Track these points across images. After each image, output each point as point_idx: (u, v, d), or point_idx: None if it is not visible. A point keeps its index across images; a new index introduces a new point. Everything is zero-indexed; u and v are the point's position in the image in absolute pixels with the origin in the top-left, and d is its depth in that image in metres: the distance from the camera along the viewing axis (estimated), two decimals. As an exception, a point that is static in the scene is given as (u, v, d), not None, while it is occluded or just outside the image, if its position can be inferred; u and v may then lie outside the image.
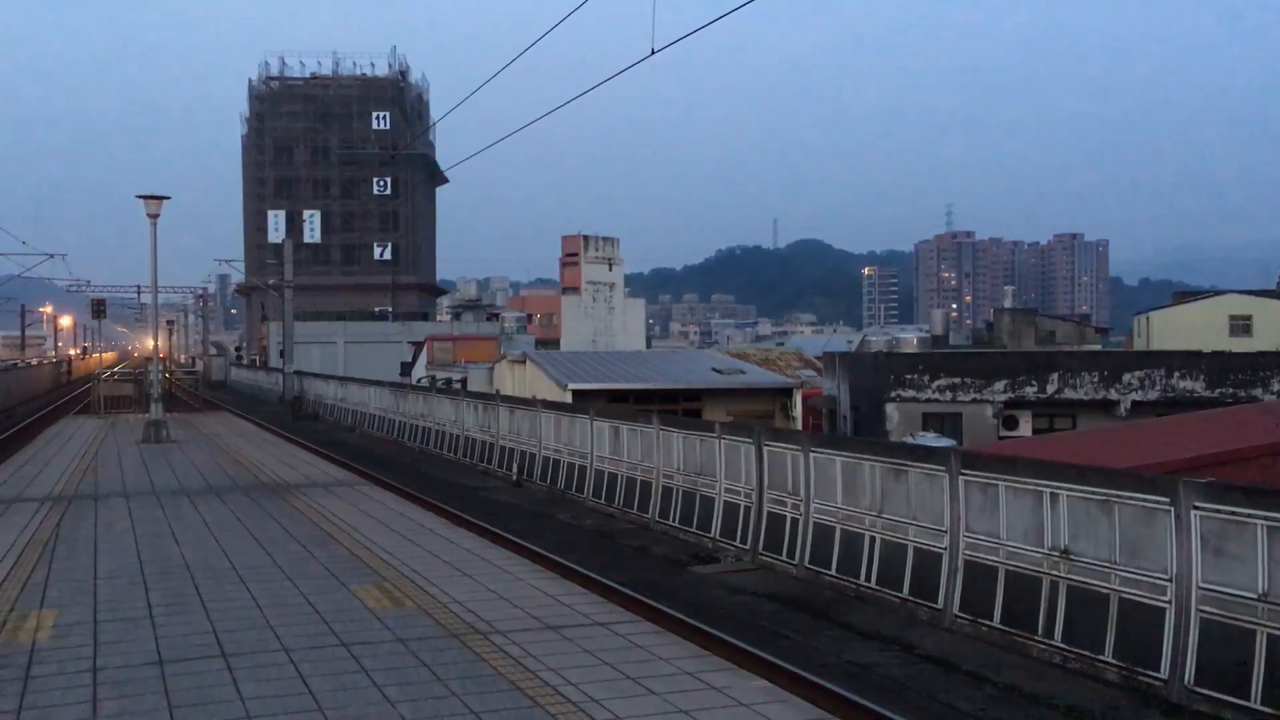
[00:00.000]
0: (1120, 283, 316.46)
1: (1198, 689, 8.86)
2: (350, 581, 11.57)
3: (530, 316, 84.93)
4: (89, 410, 46.38)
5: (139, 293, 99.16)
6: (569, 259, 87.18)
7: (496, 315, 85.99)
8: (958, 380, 32.77)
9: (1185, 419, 20.89)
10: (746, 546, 15.39)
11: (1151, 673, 9.25)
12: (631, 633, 9.57)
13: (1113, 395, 32.25)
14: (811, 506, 14.13)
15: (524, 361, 39.15)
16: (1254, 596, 8.59)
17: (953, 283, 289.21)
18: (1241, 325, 59.89)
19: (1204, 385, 32.06)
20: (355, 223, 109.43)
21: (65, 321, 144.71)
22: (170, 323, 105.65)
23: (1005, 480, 11.09)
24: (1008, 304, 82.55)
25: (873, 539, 12.89)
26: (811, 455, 14.23)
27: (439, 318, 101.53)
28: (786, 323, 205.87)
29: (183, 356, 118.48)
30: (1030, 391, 32.50)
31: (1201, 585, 9.00)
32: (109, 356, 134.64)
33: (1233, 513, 8.82)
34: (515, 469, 24.79)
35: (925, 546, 12.03)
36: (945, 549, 11.73)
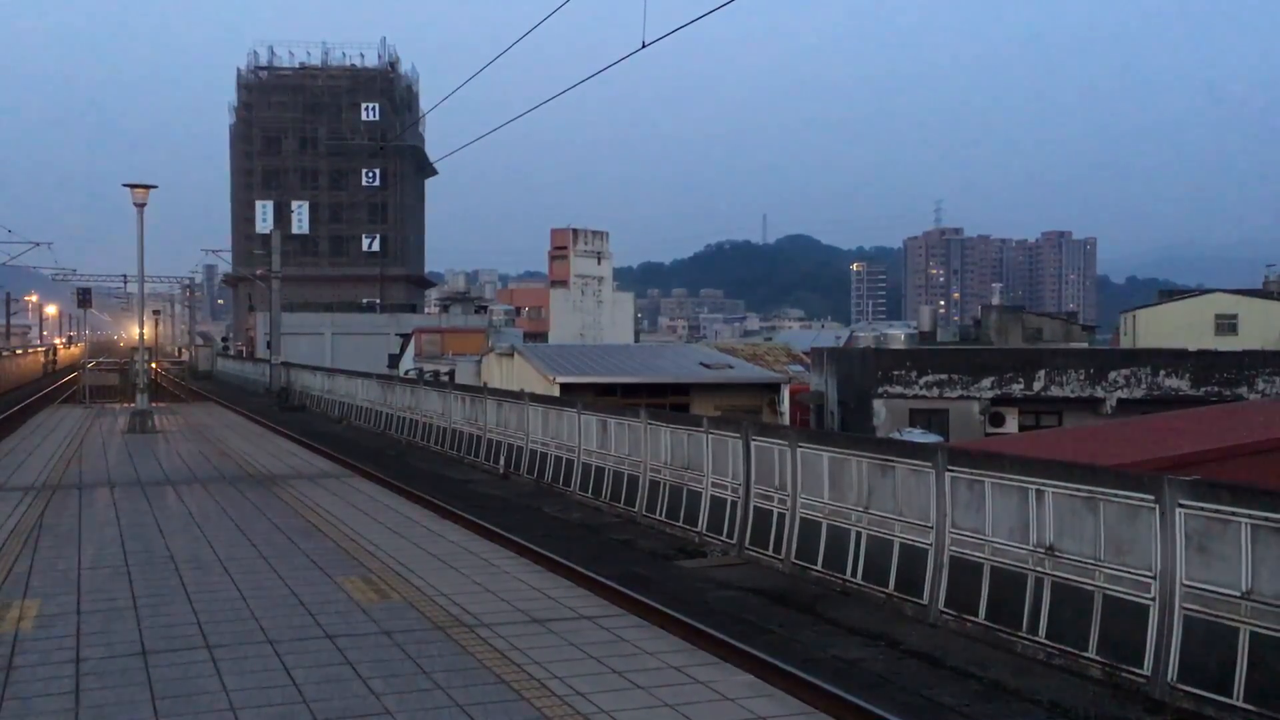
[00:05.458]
0: (1107, 281, 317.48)
1: (1180, 686, 8.89)
2: (336, 573, 11.55)
3: (519, 309, 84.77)
4: (74, 400, 46.20)
5: (125, 282, 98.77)
6: (558, 252, 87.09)
7: (485, 308, 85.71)
8: (945, 377, 32.85)
9: (1171, 417, 20.98)
10: (733, 541, 15.40)
11: (1135, 669, 9.29)
12: (617, 627, 9.56)
13: (1099, 393, 32.38)
14: (798, 502, 14.15)
15: (512, 354, 39.09)
16: (1237, 594, 8.62)
17: (941, 279, 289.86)
18: (1227, 324, 60.20)
19: (1189, 384, 32.21)
20: (343, 214, 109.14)
21: (51, 310, 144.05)
22: (157, 313, 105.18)
23: (991, 477, 11.11)
24: (995, 301, 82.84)
25: (859, 534, 12.91)
26: (799, 450, 14.25)
27: (427, 310, 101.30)
28: (775, 318, 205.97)
29: (170, 347, 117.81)
30: (1017, 388, 32.61)
31: (1185, 583, 9.04)
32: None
33: (1217, 511, 8.85)
34: (502, 462, 24.77)
35: (911, 542, 12.06)
36: (931, 545, 11.75)
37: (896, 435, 27.17)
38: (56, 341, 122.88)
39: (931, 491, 11.82)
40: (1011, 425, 32.41)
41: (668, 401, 33.47)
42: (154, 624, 9.47)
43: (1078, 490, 10.11)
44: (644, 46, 16.69)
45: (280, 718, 7.18)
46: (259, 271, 72.25)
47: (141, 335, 34.63)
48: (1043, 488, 10.47)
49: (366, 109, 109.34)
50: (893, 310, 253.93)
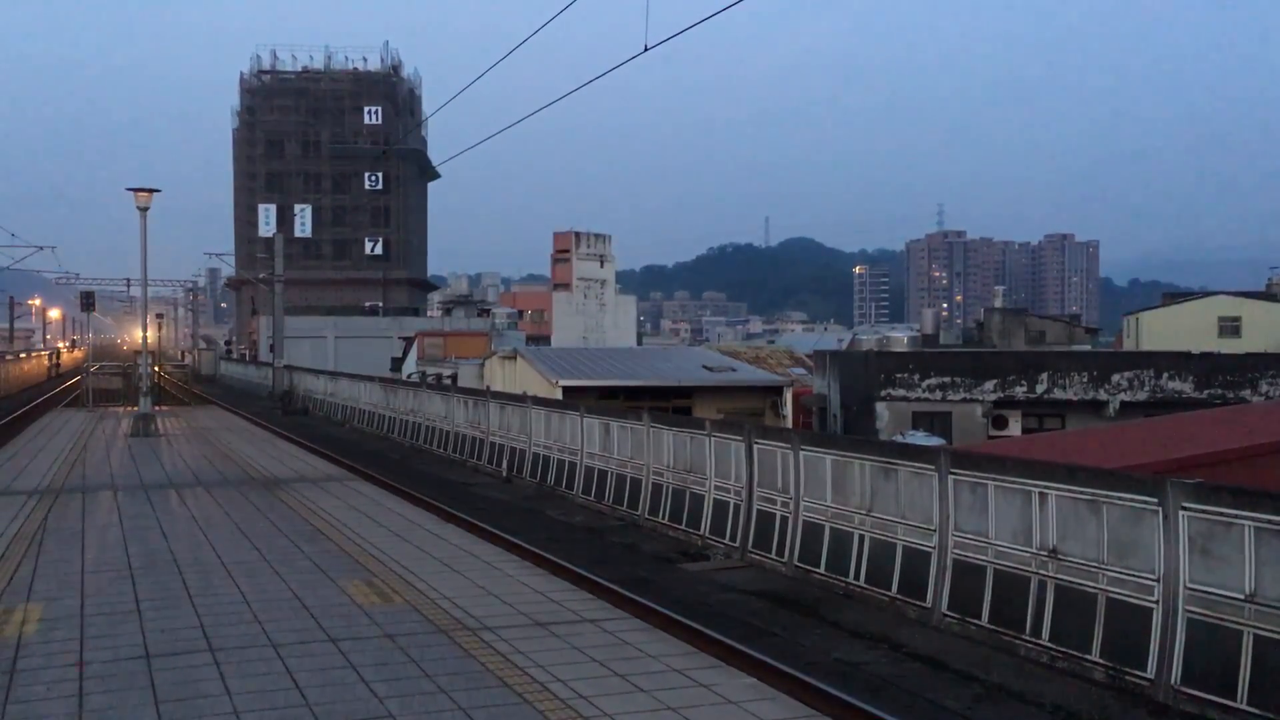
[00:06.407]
0: (1110, 283, 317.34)
1: (1184, 689, 8.89)
2: (339, 577, 11.55)
3: (521, 313, 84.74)
4: (78, 403, 46.24)
5: (128, 285, 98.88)
6: (560, 255, 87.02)
7: (487, 311, 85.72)
8: (948, 379, 32.82)
9: (1174, 420, 20.95)
10: (736, 544, 15.40)
11: (1138, 672, 9.28)
12: (620, 630, 9.57)
13: (1102, 396, 32.34)
14: (801, 504, 14.15)
15: (515, 357, 39.11)
16: (1241, 597, 8.62)
17: (944, 282, 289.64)
18: (1230, 326, 60.05)
19: (1193, 386, 32.17)
20: (346, 217, 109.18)
21: (54, 314, 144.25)
22: (160, 316, 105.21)
23: (994, 479, 11.11)
24: (998, 304, 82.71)
25: (862, 537, 12.91)
26: (801, 453, 14.25)
27: (430, 313, 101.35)
28: (778, 320, 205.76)
29: (173, 350, 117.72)
30: (1020, 391, 32.57)
31: (1189, 586, 9.03)
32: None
33: (1220, 513, 8.85)
34: (505, 465, 24.77)
35: (914, 545, 12.05)
36: (934, 548, 11.75)
37: (899, 438, 27.16)
38: (60, 345, 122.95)
39: (934, 494, 11.82)
40: (1014, 428, 32.37)
41: (670, 404, 33.44)
42: (157, 628, 9.48)
43: (1081, 493, 10.11)
44: (646, 50, 16.70)
45: (283, 721, 7.18)
46: (262, 275, 72.30)
47: (145, 339, 34.63)
48: (1045, 490, 10.47)
49: (369, 112, 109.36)
50: (895, 313, 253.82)
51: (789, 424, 35.42)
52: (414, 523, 15.37)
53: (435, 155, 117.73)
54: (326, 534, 14.25)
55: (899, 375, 33.06)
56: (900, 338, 53.42)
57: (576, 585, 11.60)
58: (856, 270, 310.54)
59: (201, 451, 25.32)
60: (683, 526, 16.86)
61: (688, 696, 7.70)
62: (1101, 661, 9.63)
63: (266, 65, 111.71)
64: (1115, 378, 32.47)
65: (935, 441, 25.75)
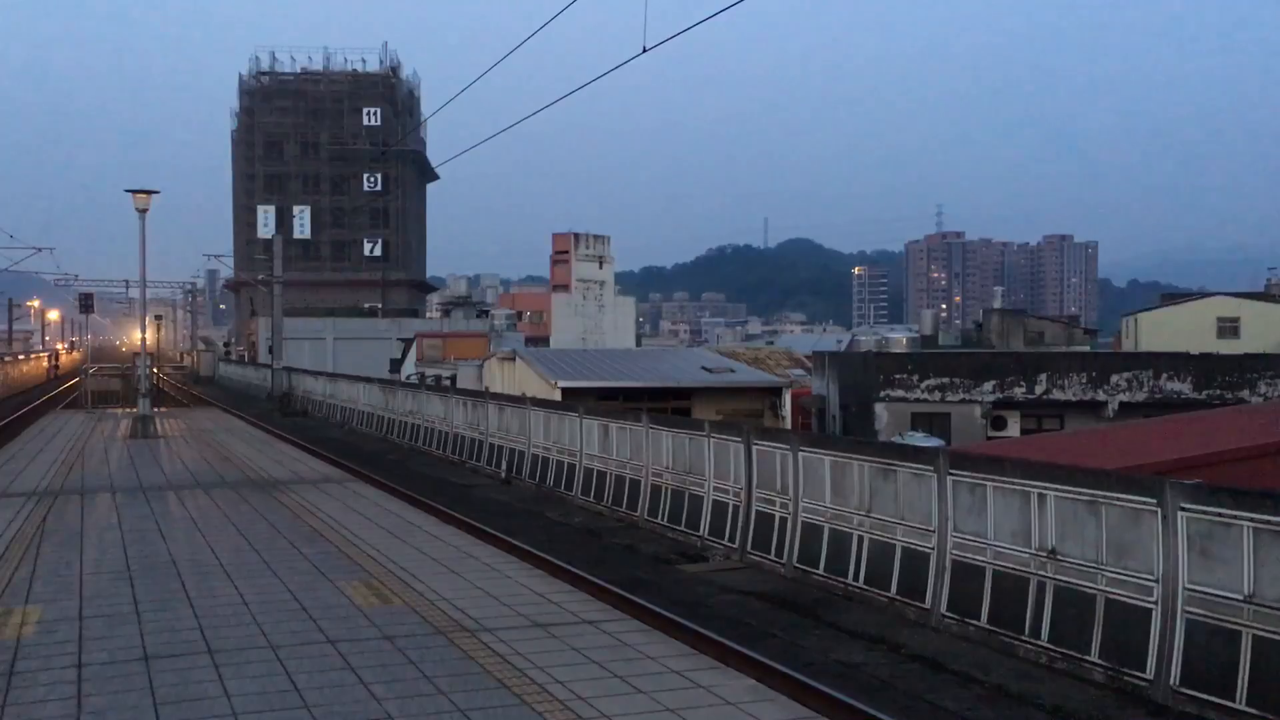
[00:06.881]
0: (1109, 284, 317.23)
1: (1183, 690, 8.89)
2: (338, 578, 11.55)
3: (520, 314, 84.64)
4: (77, 405, 46.23)
5: (127, 287, 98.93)
6: (559, 257, 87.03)
7: (486, 312, 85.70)
8: (947, 380, 32.81)
9: (1173, 420, 20.97)
10: (735, 545, 15.40)
11: (1137, 673, 9.28)
12: (619, 631, 9.56)
13: (1100, 396, 32.34)
14: (800, 505, 14.14)
15: (514, 359, 39.11)
16: (1240, 598, 8.62)
17: (943, 283, 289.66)
18: (1229, 327, 60.06)
19: (1191, 387, 32.18)
20: (345, 219, 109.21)
21: (53, 316, 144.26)
22: (159, 318, 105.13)
23: (993, 480, 11.11)
24: (997, 304, 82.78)
25: (861, 538, 12.91)
26: (800, 454, 14.24)
27: (429, 315, 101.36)
28: (776, 322, 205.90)
29: (172, 352, 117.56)
30: (1019, 392, 32.57)
31: (1188, 586, 9.03)
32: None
33: (1219, 514, 8.85)
34: (504, 466, 24.76)
35: (913, 546, 12.05)
36: (933, 549, 11.75)
37: (898, 439, 27.15)
38: (59, 347, 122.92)
39: (933, 495, 11.81)
40: (1013, 429, 32.36)
41: (669, 406, 33.46)
42: (156, 629, 9.47)
43: (1079, 494, 10.11)
44: (644, 51, 16.70)
45: (282, 723, 7.17)
46: (260, 276, 72.28)
47: (144, 340, 34.62)
48: (1044, 491, 10.47)
49: (368, 114, 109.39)
50: (894, 314, 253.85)
51: (788, 425, 35.43)
52: (413, 524, 15.36)
53: (434, 156, 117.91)
54: (325, 535, 14.24)
55: (898, 376, 33.04)
56: (899, 339, 53.40)
57: (575, 586, 11.60)
58: (855, 271, 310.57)
59: (200, 453, 25.31)
60: (682, 528, 16.85)
61: (687, 698, 7.70)
62: (1100, 662, 9.63)
63: (265, 66, 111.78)
64: (1114, 378, 32.47)
65: (934, 442, 25.72)
